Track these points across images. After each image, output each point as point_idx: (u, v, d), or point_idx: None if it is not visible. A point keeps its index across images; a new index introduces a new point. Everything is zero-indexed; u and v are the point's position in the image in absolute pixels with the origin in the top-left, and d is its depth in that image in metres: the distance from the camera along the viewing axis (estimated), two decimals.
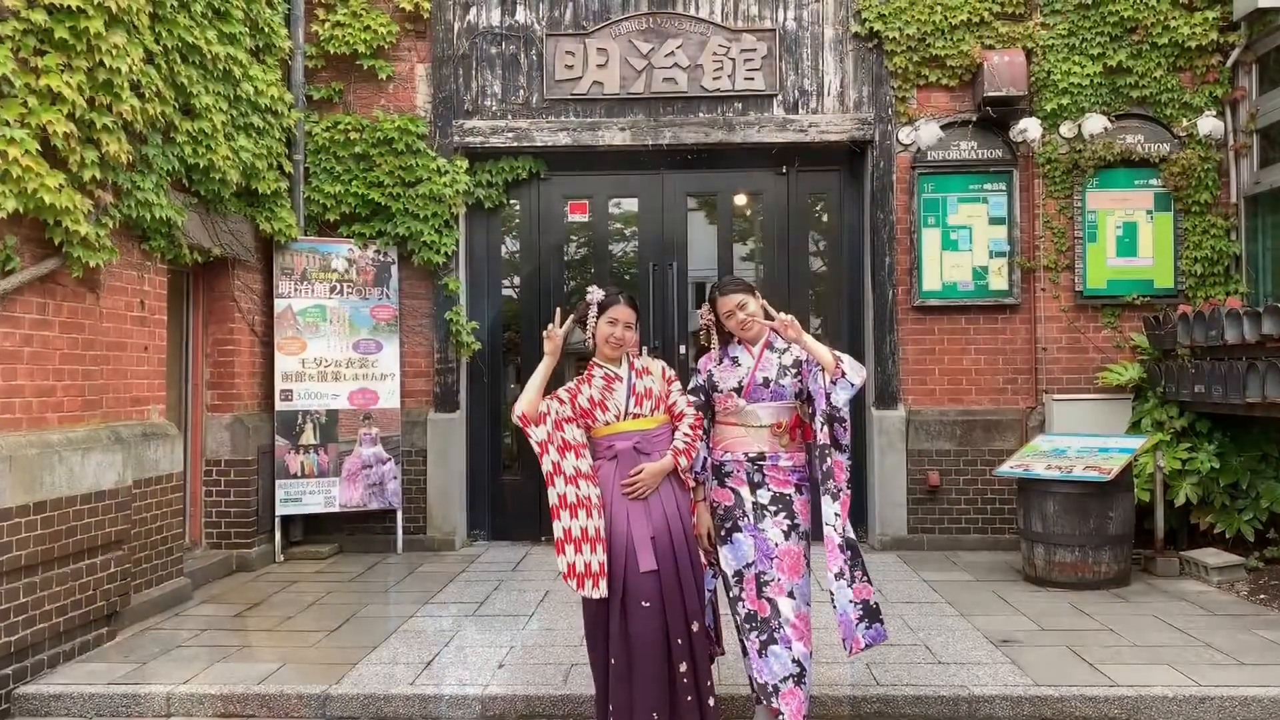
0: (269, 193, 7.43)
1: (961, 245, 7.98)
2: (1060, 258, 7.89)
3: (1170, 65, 7.79)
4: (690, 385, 4.30)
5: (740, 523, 4.05)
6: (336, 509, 7.81)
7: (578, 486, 3.97)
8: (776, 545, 3.98)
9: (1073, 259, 7.88)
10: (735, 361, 4.17)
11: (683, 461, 4.03)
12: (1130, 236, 7.87)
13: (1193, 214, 7.77)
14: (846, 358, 3.98)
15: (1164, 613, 5.84)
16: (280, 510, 7.66)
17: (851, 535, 4.01)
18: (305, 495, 7.73)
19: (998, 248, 7.96)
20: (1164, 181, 7.80)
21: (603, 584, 3.88)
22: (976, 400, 7.97)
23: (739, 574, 4.02)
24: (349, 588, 6.77)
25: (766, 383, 4.08)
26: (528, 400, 3.97)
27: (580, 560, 3.91)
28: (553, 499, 3.99)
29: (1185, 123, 7.76)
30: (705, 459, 4.15)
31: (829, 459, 3.98)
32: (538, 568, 7.32)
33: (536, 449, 4.02)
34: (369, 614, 6.04)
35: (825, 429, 3.98)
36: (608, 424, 4.08)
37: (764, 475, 4.06)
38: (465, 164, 8.04)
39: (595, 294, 4.18)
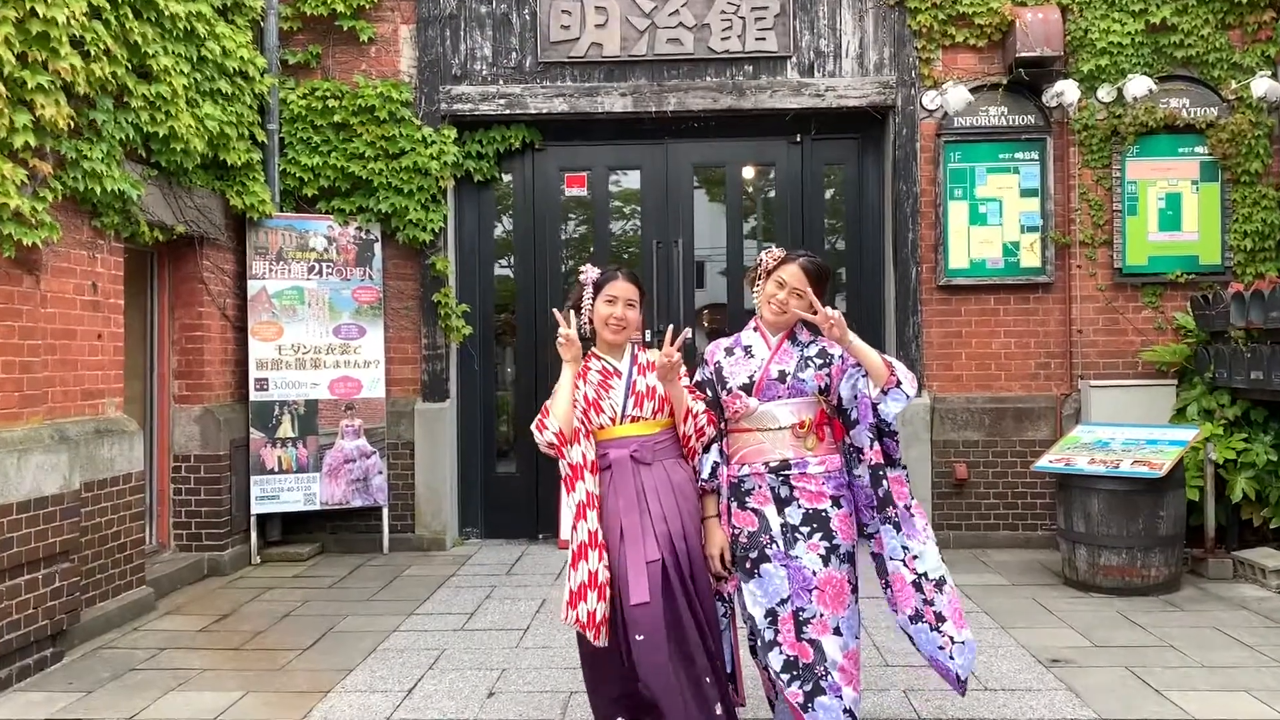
0: (240, 164, 6.83)
1: (991, 219, 7.38)
2: (1097, 232, 7.29)
3: (1218, 22, 7.17)
4: (695, 379, 3.65)
5: (768, 550, 3.39)
6: (317, 507, 7.24)
7: (586, 518, 3.42)
8: (815, 574, 3.35)
9: (1111, 234, 7.28)
10: (748, 352, 3.56)
11: (700, 420, 3.47)
12: (1174, 209, 7.26)
13: (1242, 184, 7.16)
14: (899, 365, 3.38)
15: (1225, 624, 5.28)
16: (256, 509, 7.09)
17: (937, 569, 3.43)
18: (283, 492, 7.16)
19: (1030, 222, 7.36)
20: (1211, 149, 7.19)
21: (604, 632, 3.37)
22: (1006, 386, 7.38)
23: (772, 613, 3.36)
24: (328, 595, 6.21)
25: (783, 377, 3.46)
26: (563, 414, 3.40)
27: (601, 608, 3.36)
28: (581, 536, 3.40)
29: (1234, 85, 7.13)
30: (718, 464, 3.52)
31: (884, 481, 3.39)
32: (534, 570, 6.76)
33: (568, 473, 3.44)
34: (348, 628, 5.48)
35: (876, 445, 3.39)
36: (602, 428, 3.51)
37: (792, 489, 3.42)
38: (453, 134, 7.42)
39: (589, 273, 3.60)
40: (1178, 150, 7.26)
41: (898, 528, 3.41)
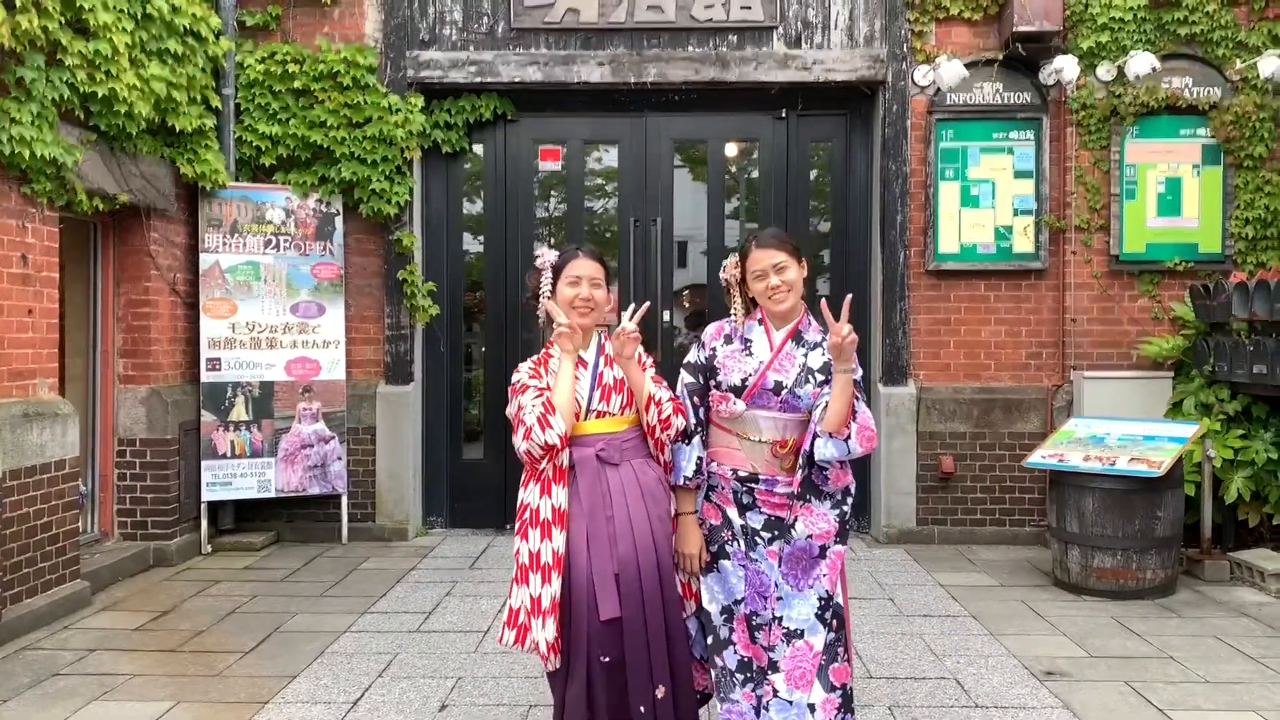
0: (191, 131, 6.42)
1: (983, 201, 7.05)
2: (1094, 217, 6.97)
3: None
4: (687, 358, 3.34)
5: (729, 547, 3.19)
6: (272, 494, 6.87)
7: (551, 536, 3.10)
8: (770, 580, 3.14)
9: (1108, 219, 6.97)
10: (747, 346, 3.23)
11: (665, 410, 3.13)
12: (1173, 194, 6.96)
13: (1245, 169, 6.86)
14: (862, 422, 3.05)
15: (1226, 633, 5.00)
16: (207, 496, 6.71)
17: (838, 598, 3.16)
18: (236, 478, 6.78)
19: (1023, 205, 7.03)
20: (1213, 131, 6.88)
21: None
22: (996, 377, 7.08)
23: (727, 610, 3.18)
24: (279, 590, 5.85)
25: (778, 388, 3.14)
26: (569, 412, 3.06)
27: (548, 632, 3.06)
28: (545, 556, 3.09)
29: (1239, 64, 6.81)
30: (702, 459, 3.20)
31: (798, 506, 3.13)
32: (499, 564, 6.43)
33: (550, 476, 3.11)
34: (296, 626, 5.13)
35: (802, 471, 3.11)
36: None
37: (754, 498, 3.18)
38: (420, 102, 7.01)
39: (545, 255, 3.26)
40: (1179, 132, 6.95)
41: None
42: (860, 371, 3.11)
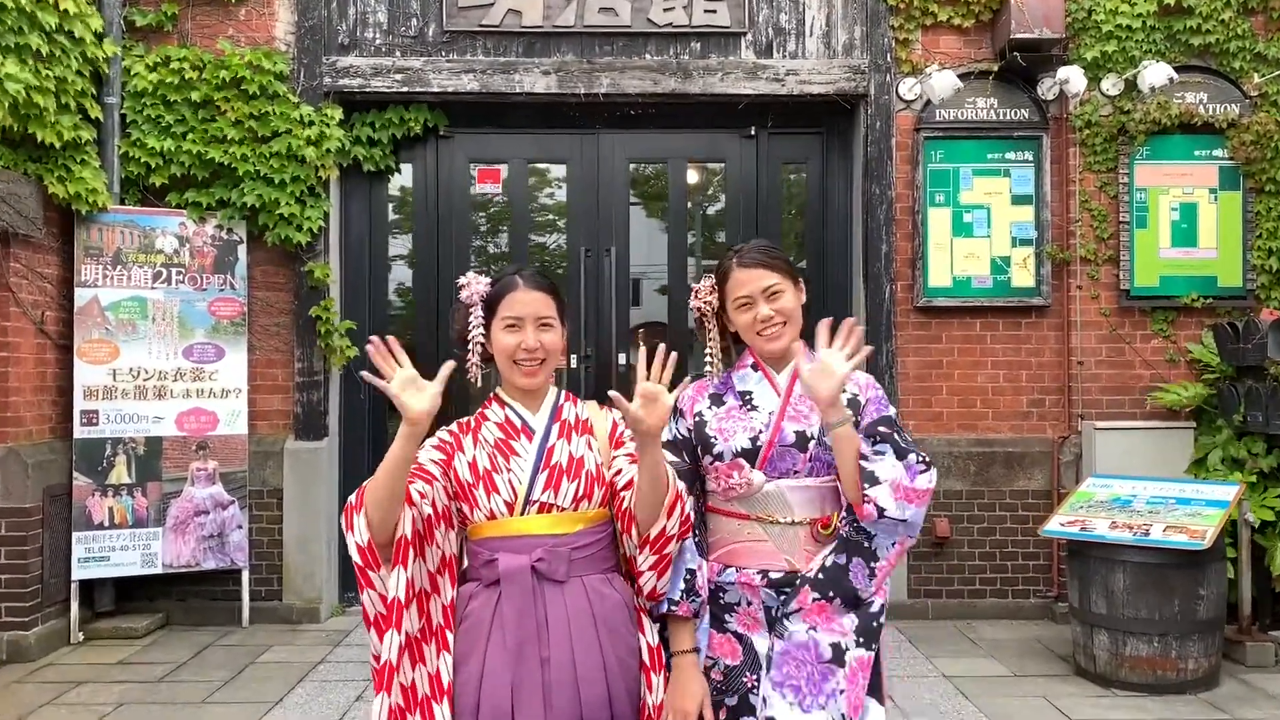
0: (62, 144, 5.47)
1: (977, 230, 6.26)
2: (1101, 247, 6.21)
3: (1240, 6, 6.15)
4: (664, 437, 2.46)
5: (752, 697, 2.27)
6: (159, 570, 5.84)
7: (424, 662, 2.16)
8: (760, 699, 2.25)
9: (1116, 249, 6.21)
10: (746, 400, 2.39)
11: (688, 506, 2.24)
12: (1189, 221, 6.22)
13: (1267, 193, 6.14)
14: (886, 477, 2.22)
15: None
16: (78, 574, 5.66)
17: None
18: (115, 552, 5.74)
19: (1022, 234, 6.26)
20: (1231, 152, 6.16)
21: None
22: (994, 427, 6.26)
23: None
24: (154, 694, 4.82)
25: (802, 441, 2.31)
26: (379, 511, 2.09)
27: None
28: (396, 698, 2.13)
29: (1258, 78, 6.12)
30: (695, 574, 2.29)
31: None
32: None
33: (378, 615, 2.16)
34: None
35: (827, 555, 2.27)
36: (492, 518, 2.25)
37: (798, 607, 2.27)
38: (339, 114, 6.09)
39: (473, 284, 2.37)
40: (1193, 153, 6.22)
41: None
42: (892, 409, 2.34)
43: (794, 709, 2.22)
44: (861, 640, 2.25)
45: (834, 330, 2.27)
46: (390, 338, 2.17)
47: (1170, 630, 4.72)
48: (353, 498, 2.14)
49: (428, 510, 2.18)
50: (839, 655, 2.23)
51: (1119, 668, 4.82)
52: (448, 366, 2.15)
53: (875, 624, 2.27)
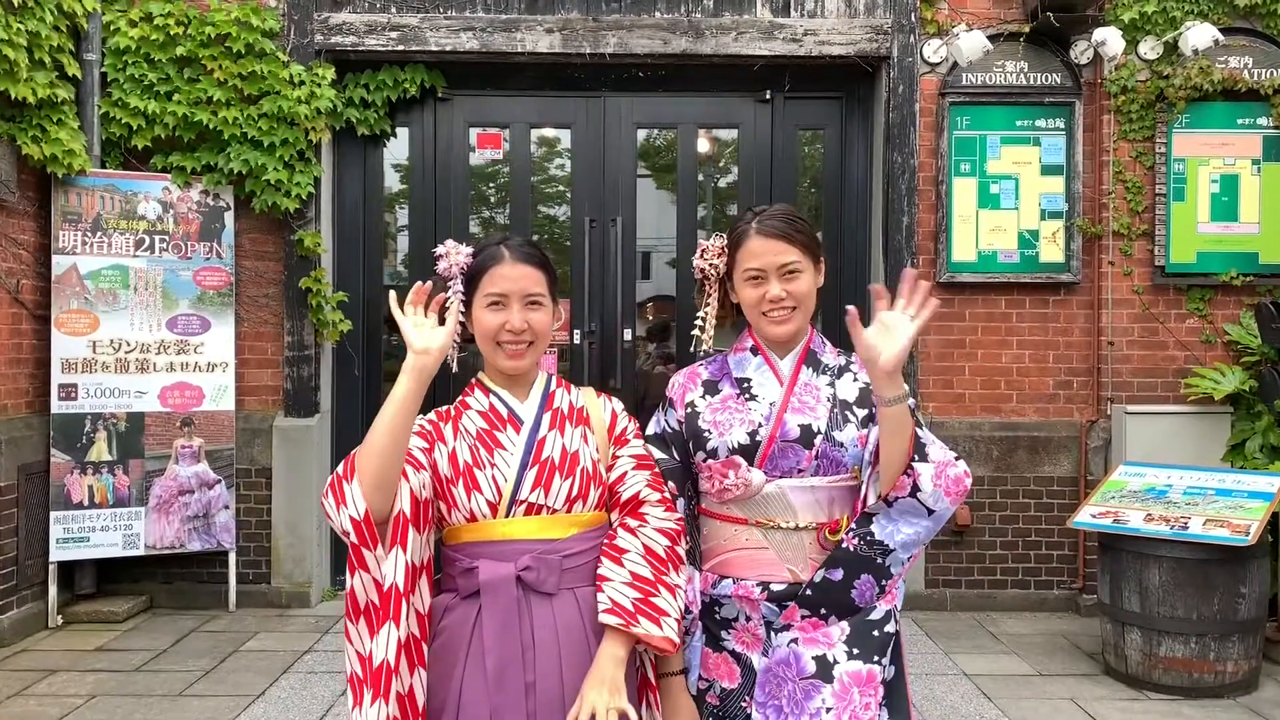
0: (39, 103, 5.16)
1: (1005, 201, 5.92)
2: (1135, 221, 5.87)
3: None
4: (649, 429, 2.18)
5: None
6: (141, 551, 5.58)
7: (399, 675, 1.89)
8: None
9: (1152, 223, 5.86)
10: (744, 388, 2.09)
11: (668, 627, 1.91)
12: (1229, 194, 5.87)
13: None
14: (936, 457, 1.94)
15: None
16: (56, 555, 5.41)
17: None
18: (95, 533, 5.49)
19: (1052, 206, 5.92)
20: (1276, 120, 5.81)
21: None
22: (1019, 410, 5.95)
23: None
24: (130, 684, 4.57)
25: (807, 436, 2.01)
26: (375, 472, 1.81)
27: None
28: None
29: None
30: (685, 589, 2.01)
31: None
32: None
33: (369, 605, 1.91)
34: None
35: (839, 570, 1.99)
36: (473, 520, 1.96)
37: (795, 625, 1.99)
38: (331, 74, 5.77)
39: (453, 254, 2.06)
40: (1236, 121, 5.86)
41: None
42: (912, 400, 2.00)
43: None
44: (856, 652, 1.96)
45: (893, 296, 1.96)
46: (441, 295, 1.96)
47: (1209, 630, 4.42)
48: (340, 468, 1.86)
49: (425, 493, 1.91)
50: (825, 670, 1.95)
51: (1152, 669, 4.53)
52: (456, 309, 1.92)
53: (875, 633, 1.98)
